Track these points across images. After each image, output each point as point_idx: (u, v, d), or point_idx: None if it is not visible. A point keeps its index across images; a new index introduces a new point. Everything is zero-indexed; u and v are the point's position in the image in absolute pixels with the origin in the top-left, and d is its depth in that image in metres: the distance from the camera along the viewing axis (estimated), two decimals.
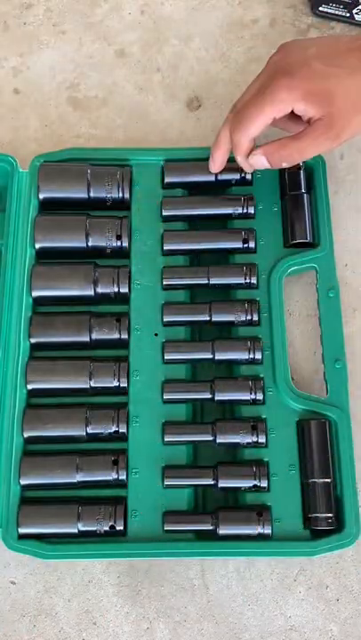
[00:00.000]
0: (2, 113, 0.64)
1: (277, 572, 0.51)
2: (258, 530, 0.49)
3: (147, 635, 0.50)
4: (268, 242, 0.56)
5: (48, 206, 0.57)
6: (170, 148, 0.61)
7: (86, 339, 0.53)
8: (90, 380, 0.52)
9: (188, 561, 0.52)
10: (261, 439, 0.51)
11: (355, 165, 0.62)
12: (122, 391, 0.53)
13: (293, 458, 0.51)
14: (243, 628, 0.50)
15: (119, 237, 0.55)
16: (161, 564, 0.52)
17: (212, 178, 0.57)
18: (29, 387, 0.52)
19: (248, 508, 0.50)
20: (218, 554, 0.50)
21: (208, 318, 0.54)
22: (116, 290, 0.55)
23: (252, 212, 0.57)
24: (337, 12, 0.65)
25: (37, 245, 0.56)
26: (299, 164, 0.57)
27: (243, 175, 0.57)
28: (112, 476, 0.50)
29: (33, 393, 0.53)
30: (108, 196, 0.57)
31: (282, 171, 0.58)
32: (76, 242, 0.55)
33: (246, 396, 0.52)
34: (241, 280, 0.55)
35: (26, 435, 0.51)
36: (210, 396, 0.52)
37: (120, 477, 0.50)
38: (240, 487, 0.50)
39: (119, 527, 0.49)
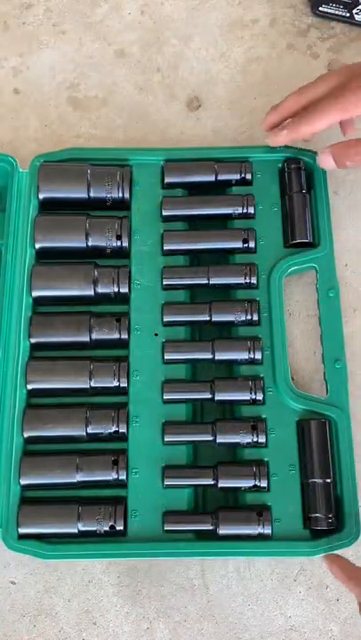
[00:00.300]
0: (2, 113, 0.64)
1: (277, 572, 0.51)
2: (258, 530, 0.49)
3: (147, 635, 0.50)
4: (268, 242, 0.56)
5: (48, 206, 0.57)
6: (170, 148, 0.61)
7: (86, 339, 0.53)
8: (90, 380, 0.52)
9: (188, 561, 0.52)
10: (261, 439, 0.51)
11: None
12: (122, 391, 0.53)
13: (293, 458, 0.51)
14: (243, 628, 0.50)
15: (119, 237, 0.55)
16: (161, 564, 0.52)
17: (213, 178, 0.57)
18: (29, 387, 0.52)
19: (248, 508, 0.50)
20: (218, 554, 0.50)
21: (208, 318, 0.54)
22: (116, 290, 0.55)
23: (252, 212, 0.57)
24: (337, 12, 0.65)
25: (37, 245, 0.56)
26: (299, 164, 0.57)
27: (243, 175, 0.57)
28: (112, 475, 0.50)
29: (33, 393, 0.53)
30: (108, 196, 0.57)
31: (282, 170, 0.58)
32: (76, 242, 0.55)
33: (246, 396, 0.52)
34: (241, 280, 0.55)
35: (26, 435, 0.51)
36: (210, 396, 0.52)
37: (120, 477, 0.50)
38: (240, 487, 0.50)
39: (119, 527, 0.49)
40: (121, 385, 0.52)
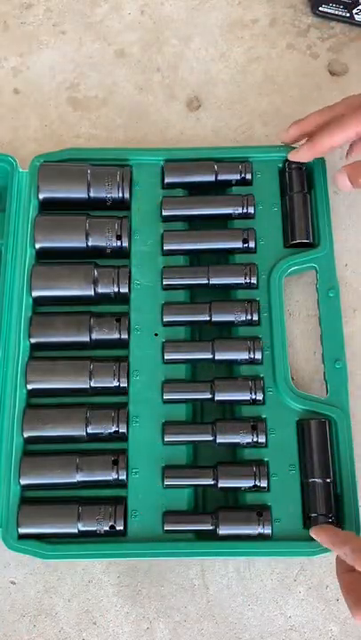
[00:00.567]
0: (2, 113, 0.64)
1: (277, 572, 0.51)
2: (258, 530, 0.49)
3: (147, 635, 0.50)
4: (268, 242, 0.56)
5: (48, 206, 0.57)
6: (170, 148, 0.61)
7: (86, 339, 0.53)
8: (90, 380, 0.52)
9: (188, 561, 0.52)
10: (261, 439, 0.51)
11: None
12: (122, 391, 0.53)
13: (293, 458, 0.51)
14: (243, 628, 0.50)
15: (119, 237, 0.55)
16: (161, 564, 0.52)
17: (213, 178, 0.57)
18: (29, 387, 0.52)
19: (248, 508, 0.50)
20: (218, 554, 0.50)
21: (208, 318, 0.54)
22: (116, 290, 0.55)
23: (252, 211, 0.57)
24: (337, 12, 0.65)
25: (37, 245, 0.56)
26: (300, 164, 0.57)
27: (243, 175, 0.57)
28: (112, 475, 0.50)
29: (33, 393, 0.53)
30: (108, 196, 0.57)
31: (282, 170, 0.58)
32: (76, 242, 0.55)
33: (246, 396, 0.52)
34: (241, 280, 0.55)
35: (26, 435, 0.51)
36: (210, 396, 0.52)
37: (120, 477, 0.50)
38: (240, 487, 0.50)
39: (119, 527, 0.49)
40: (121, 385, 0.52)
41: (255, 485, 0.50)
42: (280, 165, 0.58)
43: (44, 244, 0.56)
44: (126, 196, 0.57)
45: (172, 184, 0.58)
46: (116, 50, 0.66)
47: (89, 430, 0.51)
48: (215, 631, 0.50)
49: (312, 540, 0.49)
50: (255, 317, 0.54)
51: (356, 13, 0.65)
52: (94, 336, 0.53)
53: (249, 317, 0.54)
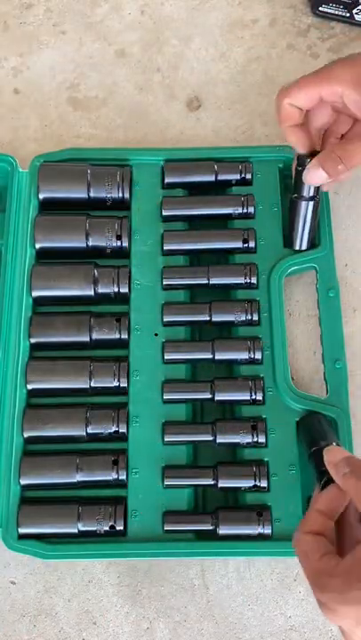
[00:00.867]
0: (2, 113, 0.64)
1: (277, 572, 0.51)
2: (258, 530, 0.49)
3: (147, 635, 0.50)
4: (268, 242, 0.56)
5: (48, 206, 0.57)
6: (170, 148, 0.61)
7: (86, 339, 0.53)
8: (90, 380, 0.52)
9: (188, 561, 0.52)
10: (261, 439, 0.51)
11: None
12: (122, 391, 0.53)
13: (293, 458, 0.51)
14: (243, 628, 0.50)
15: (119, 237, 0.55)
16: (161, 564, 0.52)
17: (213, 178, 0.57)
18: (29, 387, 0.52)
19: (248, 507, 0.50)
20: (218, 554, 0.50)
21: (208, 318, 0.54)
22: (116, 290, 0.55)
23: (252, 211, 0.57)
24: (337, 12, 0.65)
25: (37, 245, 0.56)
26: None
27: (243, 175, 0.57)
28: (112, 475, 0.50)
29: (33, 393, 0.53)
30: (108, 196, 0.57)
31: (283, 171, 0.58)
32: (76, 242, 0.55)
33: (246, 396, 0.52)
34: (241, 280, 0.55)
35: (26, 435, 0.51)
36: (210, 396, 0.52)
37: (120, 477, 0.50)
38: (240, 487, 0.50)
39: (119, 527, 0.49)
40: (121, 385, 0.52)
41: (255, 485, 0.50)
42: (280, 165, 0.58)
43: (44, 244, 0.56)
44: (126, 195, 0.57)
45: (172, 184, 0.58)
46: (116, 50, 0.66)
47: (89, 430, 0.51)
48: (215, 631, 0.50)
49: None
50: (255, 317, 0.54)
51: (357, 13, 0.65)
52: (94, 336, 0.53)
53: (249, 317, 0.54)
